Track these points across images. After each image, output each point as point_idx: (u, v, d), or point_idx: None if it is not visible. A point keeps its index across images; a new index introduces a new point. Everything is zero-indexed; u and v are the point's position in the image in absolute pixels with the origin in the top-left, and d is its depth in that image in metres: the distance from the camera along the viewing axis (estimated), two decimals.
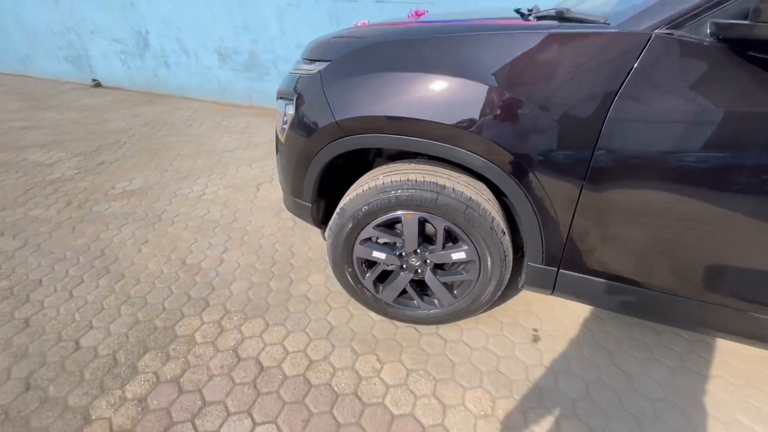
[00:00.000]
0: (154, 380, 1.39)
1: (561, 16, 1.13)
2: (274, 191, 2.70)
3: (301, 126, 1.39)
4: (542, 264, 1.25)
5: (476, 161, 1.15)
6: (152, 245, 2.12)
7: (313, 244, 2.15)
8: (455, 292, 1.48)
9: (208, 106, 4.57)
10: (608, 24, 0.98)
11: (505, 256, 1.32)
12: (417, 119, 1.15)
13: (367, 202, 1.32)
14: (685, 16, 0.88)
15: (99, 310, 1.68)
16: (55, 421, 1.25)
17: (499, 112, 1.08)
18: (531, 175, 1.11)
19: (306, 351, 1.51)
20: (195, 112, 4.36)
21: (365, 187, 1.34)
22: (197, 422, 1.26)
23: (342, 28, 1.53)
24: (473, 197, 1.25)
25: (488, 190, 1.35)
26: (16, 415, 1.27)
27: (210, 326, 1.61)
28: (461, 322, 1.64)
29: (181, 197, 2.61)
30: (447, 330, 1.61)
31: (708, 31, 0.87)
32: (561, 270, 1.24)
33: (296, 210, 1.63)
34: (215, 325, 1.62)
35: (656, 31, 0.91)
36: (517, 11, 1.44)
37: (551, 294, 1.32)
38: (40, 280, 1.85)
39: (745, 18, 0.80)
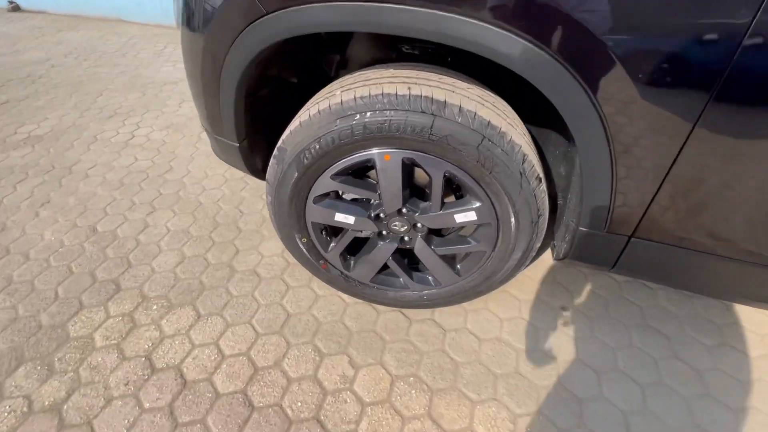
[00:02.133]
0: (25, 410, 0.95)
1: None
2: None
3: (195, 10, 0.81)
4: (605, 230, 0.77)
5: (513, 49, 0.62)
6: (54, 207, 1.59)
7: None
8: (458, 267, 1.02)
9: (150, 30, 3.75)
10: None
11: (539, 215, 0.84)
12: None
13: (318, 136, 0.80)
14: None
15: None
16: None
17: None
18: (615, 84, 0.59)
19: (250, 354, 1.08)
20: (133, 37, 3.57)
21: (314, 111, 0.81)
22: None
23: None
24: (493, 122, 0.73)
25: (515, 113, 0.83)
26: None
27: (117, 321, 1.16)
28: (465, 303, 1.21)
29: (102, 143, 2.03)
30: (446, 314, 1.18)
31: None
32: (634, 238, 0.77)
33: (223, 154, 1.10)
34: (125, 319, 1.16)
35: None
36: None
37: (610, 270, 0.87)
38: None
39: None
